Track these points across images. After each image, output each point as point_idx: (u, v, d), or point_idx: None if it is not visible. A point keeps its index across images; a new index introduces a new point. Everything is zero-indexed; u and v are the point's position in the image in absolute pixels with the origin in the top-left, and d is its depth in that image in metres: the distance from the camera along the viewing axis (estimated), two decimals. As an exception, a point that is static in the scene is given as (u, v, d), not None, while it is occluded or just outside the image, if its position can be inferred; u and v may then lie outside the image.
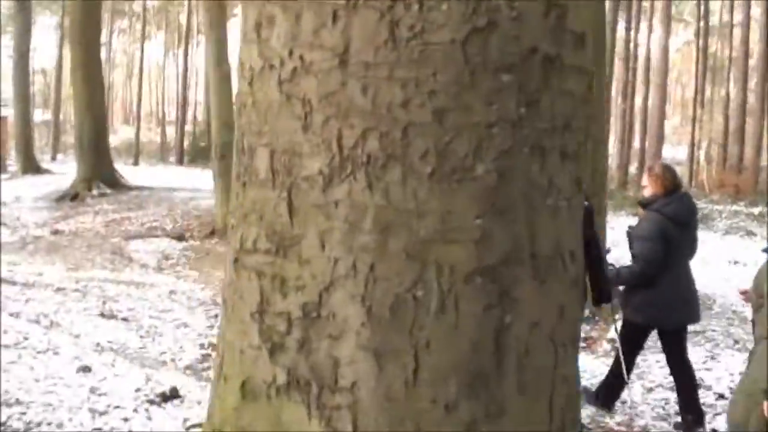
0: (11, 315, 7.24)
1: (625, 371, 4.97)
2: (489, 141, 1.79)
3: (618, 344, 5.05)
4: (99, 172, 19.72)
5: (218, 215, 14.35)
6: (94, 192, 19.26)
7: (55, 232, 15.21)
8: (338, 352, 1.83)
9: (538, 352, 1.92)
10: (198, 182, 23.09)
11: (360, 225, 1.80)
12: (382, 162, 1.77)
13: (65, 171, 26.50)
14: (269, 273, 1.90)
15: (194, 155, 39.62)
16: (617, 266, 5.09)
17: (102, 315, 8.14)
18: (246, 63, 1.99)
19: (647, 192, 5.13)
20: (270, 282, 1.90)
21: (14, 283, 9.03)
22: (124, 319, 8.10)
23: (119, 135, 55.38)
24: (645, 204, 5.17)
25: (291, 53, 1.85)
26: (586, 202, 2.12)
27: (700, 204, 16.34)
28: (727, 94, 29.03)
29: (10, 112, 27.73)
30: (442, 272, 1.80)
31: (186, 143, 41.70)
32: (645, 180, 5.20)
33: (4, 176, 24.59)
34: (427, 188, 1.78)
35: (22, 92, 26.10)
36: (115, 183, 20.07)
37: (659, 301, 4.96)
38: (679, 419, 5.08)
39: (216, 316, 8.70)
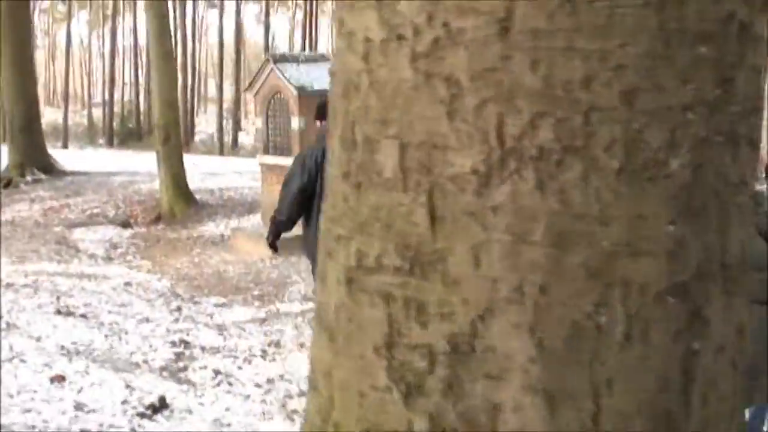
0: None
1: None
2: (684, 129, 1.44)
3: None
4: (32, 158, 18.81)
5: (163, 200, 13.78)
6: (28, 178, 18.36)
7: (-10, 222, 14.36)
8: (498, 396, 1.47)
9: (721, 381, 1.60)
10: (133, 165, 22.32)
11: (528, 236, 1.43)
12: (557, 156, 1.40)
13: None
14: (401, 297, 1.52)
15: (124, 137, 38.51)
16: None
17: (59, 312, 7.61)
18: (358, 32, 1.58)
19: None
20: (402, 308, 1.52)
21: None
22: (83, 316, 7.59)
23: (45, 118, 53.42)
24: None
25: (431, 20, 1.45)
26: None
27: None
28: None
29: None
30: (629, 292, 1.44)
31: (114, 125, 40.41)
32: None
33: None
34: (613, 188, 1.41)
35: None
36: (49, 168, 19.18)
37: None
38: None
39: (178, 309, 8.23)
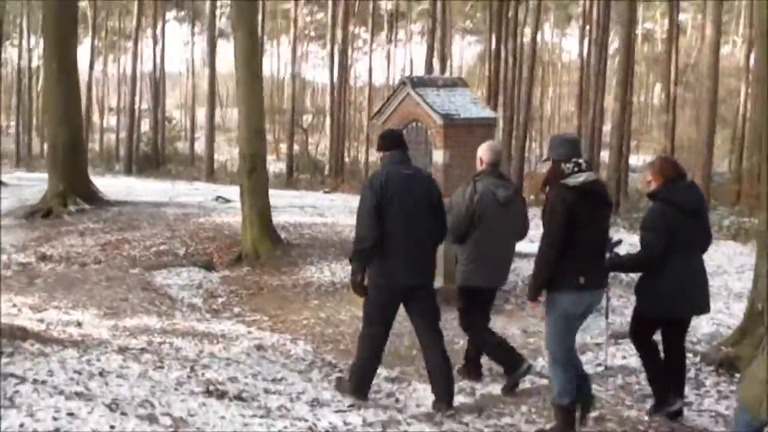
0: (71, 397, 4.99)
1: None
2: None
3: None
4: (75, 185, 17.11)
5: (247, 238, 12.12)
6: (71, 208, 16.62)
7: (43, 258, 12.73)
8: None
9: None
10: (168, 195, 20.70)
11: None
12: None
13: (17, 182, 23.55)
14: None
15: (141, 165, 36.92)
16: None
17: (209, 393, 5.90)
18: None
19: (652, 186, 5.39)
20: None
21: (45, 341, 6.64)
22: (239, 398, 5.88)
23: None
24: (651, 195, 5.40)
25: None
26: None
27: None
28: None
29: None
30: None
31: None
32: (648, 176, 5.45)
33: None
34: None
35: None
36: (91, 197, 17.49)
37: (663, 291, 5.24)
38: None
39: (338, 378, 6.59)
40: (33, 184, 22.03)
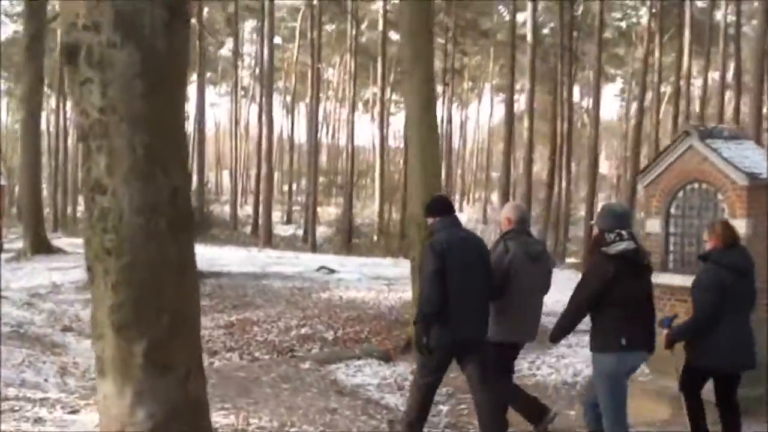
0: None
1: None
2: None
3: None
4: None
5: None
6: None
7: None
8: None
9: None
10: (256, 265, 18.87)
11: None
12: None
13: (71, 248, 21.65)
14: None
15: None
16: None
17: None
18: None
19: (708, 246, 5.83)
20: None
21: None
22: None
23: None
24: (703, 258, 5.83)
25: None
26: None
27: None
28: None
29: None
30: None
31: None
32: (706, 236, 5.93)
33: (5, 256, 19.66)
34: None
35: (32, 158, 21.30)
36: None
37: (716, 345, 5.54)
38: None
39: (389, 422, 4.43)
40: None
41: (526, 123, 29.65)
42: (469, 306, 5.75)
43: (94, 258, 3.49)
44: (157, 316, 3.46)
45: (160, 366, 3.48)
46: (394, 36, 36.53)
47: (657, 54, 36.14)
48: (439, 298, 5.65)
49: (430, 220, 6.18)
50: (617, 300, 5.19)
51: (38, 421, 5.42)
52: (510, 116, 28.94)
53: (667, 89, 45.06)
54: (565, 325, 5.50)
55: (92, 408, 5.81)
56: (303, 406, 7.03)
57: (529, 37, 29.90)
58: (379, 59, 36.27)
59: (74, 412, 5.76)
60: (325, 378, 8.36)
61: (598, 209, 6.10)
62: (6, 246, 21.89)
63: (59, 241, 24.48)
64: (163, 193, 3.46)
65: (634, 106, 43.75)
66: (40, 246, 20.13)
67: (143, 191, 3.40)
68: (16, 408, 5.70)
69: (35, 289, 15.05)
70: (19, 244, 21.37)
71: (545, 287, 6.59)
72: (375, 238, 34.79)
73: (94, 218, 3.46)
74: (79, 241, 25.64)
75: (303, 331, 11.17)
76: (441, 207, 6.16)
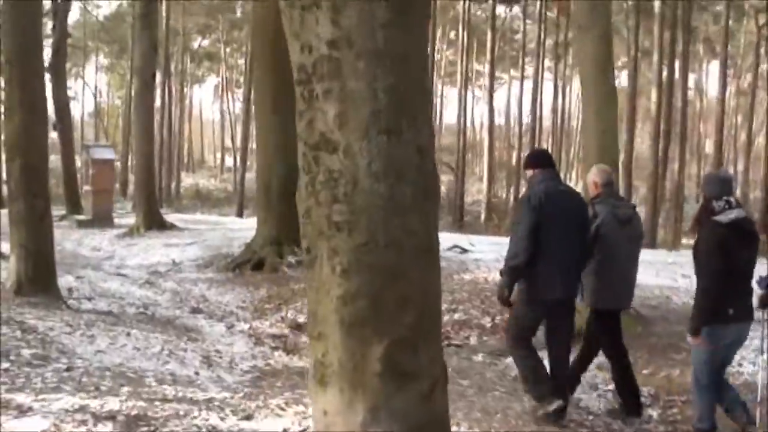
0: None
1: None
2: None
3: None
4: (291, 232, 14.25)
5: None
6: (290, 259, 13.91)
7: (297, 327, 9.90)
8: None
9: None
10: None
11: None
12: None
13: (186, 225, 21.29)
14: None
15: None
16: None
17: None
18: None
19: None
20: None
21: None
22: None
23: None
24: None
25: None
26: None
27: None
28: None
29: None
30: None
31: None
32: None
33: (116, 232, 19.39)
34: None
35: (146, 132, 20.89)
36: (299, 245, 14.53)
37: None
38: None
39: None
40: (206, 228, 19.81)
41: (654, 97, 28.04)
42: (565, 264, 5.60)
43: (318, 235, 2.73)
44: (401, 311, 2.69)
45: (402, 375, 2.71)
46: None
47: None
48: (528, 253, 5.48)
49: (529, 173, 5.93)
50: (727, 270, 5.02)
51: (212, 431, 4.63)
52: (633, 90, 27.36)
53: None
54: (706, 315, 5.12)
55: (266, 413, 5.08)
56: (498, 408, 6.17)
57: (657, 6, 28.16)
58: (488, 33, 35.10)
59: (248, 417, 4.97)
60: (506, 374, 7.52)
61: (702, 179, 5.94)
62: (115, 221, 21.70)
63: (169, 217, 24.31)
64: (410, 153, 2.66)
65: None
66: (153, 222, 19.71)
67: (386, 150, 2.61)
68: (182, 413, 4.88)
69: (154, 266, 14.49)
70: (128, 220, 21.17)
71: (637, 252, 6.33)
72: (483, 216, 33.77)
73: (318, 184, 2.69)
74: (189, 217, 25.56)
75: (456, 316, 10.30)
76: (542, 159, 5.97)
